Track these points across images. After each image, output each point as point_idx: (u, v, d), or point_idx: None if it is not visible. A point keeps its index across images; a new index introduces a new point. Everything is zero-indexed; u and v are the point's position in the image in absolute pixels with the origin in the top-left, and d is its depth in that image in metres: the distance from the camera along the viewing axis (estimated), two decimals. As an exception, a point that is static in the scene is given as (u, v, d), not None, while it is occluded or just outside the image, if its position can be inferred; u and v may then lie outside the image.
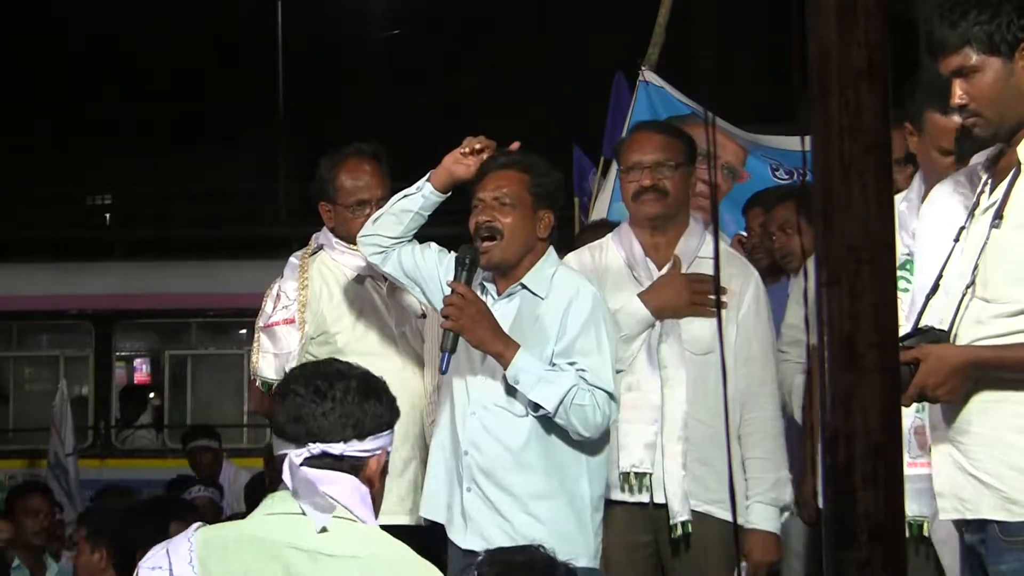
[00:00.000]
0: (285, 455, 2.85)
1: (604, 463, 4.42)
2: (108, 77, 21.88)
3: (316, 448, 2.83)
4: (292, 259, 4.95)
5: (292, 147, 19.53)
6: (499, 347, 4.27)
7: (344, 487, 2.85)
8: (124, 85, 21.97)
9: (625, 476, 4.60)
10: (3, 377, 13.29)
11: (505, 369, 4.26)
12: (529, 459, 4.30)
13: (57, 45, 21.05)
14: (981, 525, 3.43)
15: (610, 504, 4.56)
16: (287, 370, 4.07)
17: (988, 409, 3.41)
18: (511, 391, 4.31)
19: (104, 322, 12.68)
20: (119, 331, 13.00)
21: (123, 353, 13.71)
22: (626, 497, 4.62)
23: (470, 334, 4.28)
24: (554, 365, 4.28)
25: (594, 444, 4.34)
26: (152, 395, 13.52)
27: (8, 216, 16.43)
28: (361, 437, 2.86)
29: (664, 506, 4.58)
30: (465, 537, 4.35)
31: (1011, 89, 3.44)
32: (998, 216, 3.43)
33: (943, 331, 3.46)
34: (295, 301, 4.83)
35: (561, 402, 4.21)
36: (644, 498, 4.60)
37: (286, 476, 2.83)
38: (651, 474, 4.58)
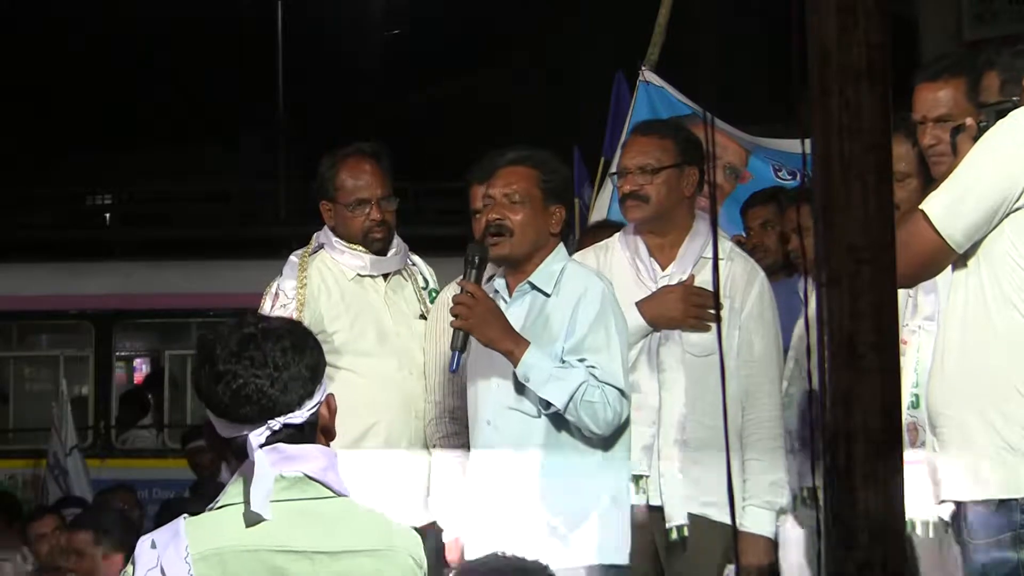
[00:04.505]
0: (238, 437, 2.66)
1: (625, 459, 4.39)
2: (108, 77, 21.86)
3: (276, 423, 2.64)
4: (292, 257, 4.96)
5: (292, 147, 19.51)
6: (509, 345, 4.24)
7: (314, 459, 2.68)
8: (125, 85, 21.96)
9: None
10: (3, 377, 13.29)
11: (515, 367, 4.23)
12: (549, 460, 4.27)
13: (57, 45, 21.04)
14: (955, 514, 3.53)
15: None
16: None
17: (956, 389, 3.50)
18: (522, 392, 4.28)
19: (104, 322, 12.68)
20: (119, 331, 13.00)
21: (123, 353, 13.71)
22: None
23: (479, 333, 4.25)
24: (564, 362, 4.26)
25: (609, 441, 4.31)
26: (152, 395, 13.51)
27: (8, 216, 16.40)
28: (312, 394, 2.69)
29: (661, 508, 4.57)
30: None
31: None
32: None
33: None
34: (293, 300, 4.83)
35: (571, 399, 4.18)
36: (641, 500, 4.59)
37: (260, 462, 2.61)
38: (648, 476, 4.57)
